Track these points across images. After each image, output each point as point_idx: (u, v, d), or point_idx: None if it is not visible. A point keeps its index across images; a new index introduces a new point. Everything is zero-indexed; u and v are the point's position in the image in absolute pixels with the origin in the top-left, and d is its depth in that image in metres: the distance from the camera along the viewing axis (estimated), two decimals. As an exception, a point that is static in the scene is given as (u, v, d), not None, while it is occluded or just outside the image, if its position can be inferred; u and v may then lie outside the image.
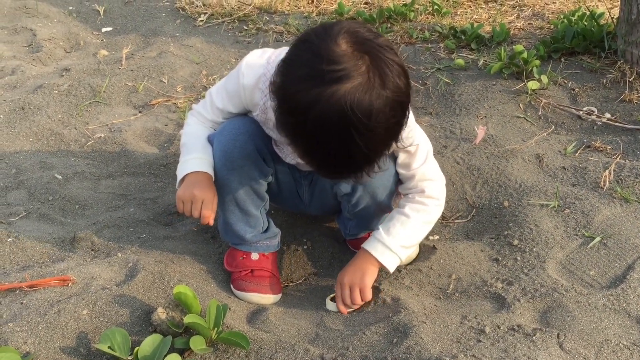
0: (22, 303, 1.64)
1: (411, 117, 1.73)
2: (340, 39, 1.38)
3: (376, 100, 1.36)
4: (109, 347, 1.49)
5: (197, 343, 1.53)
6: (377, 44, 1.41)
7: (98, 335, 1.56)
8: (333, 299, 1.82)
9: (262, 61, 1.67)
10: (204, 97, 1.86)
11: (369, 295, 1.78)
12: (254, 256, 1.89)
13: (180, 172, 1.76)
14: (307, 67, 1.39)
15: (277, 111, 1.47)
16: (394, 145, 1.51)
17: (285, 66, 1.44)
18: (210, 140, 1.80)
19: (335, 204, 1.93)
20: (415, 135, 1.75)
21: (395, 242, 1.77)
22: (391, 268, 1.79)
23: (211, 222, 1.72)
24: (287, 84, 1.42)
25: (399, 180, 1.84)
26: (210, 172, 1.75)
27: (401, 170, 1.80)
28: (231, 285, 1.87)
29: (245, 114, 1.79)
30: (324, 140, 1.39)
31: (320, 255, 2.04)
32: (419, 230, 1.81)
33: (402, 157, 1.78)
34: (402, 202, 1.84)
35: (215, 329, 1.57)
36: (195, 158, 1.75)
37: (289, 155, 1.79)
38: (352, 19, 3.68)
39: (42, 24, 3.74)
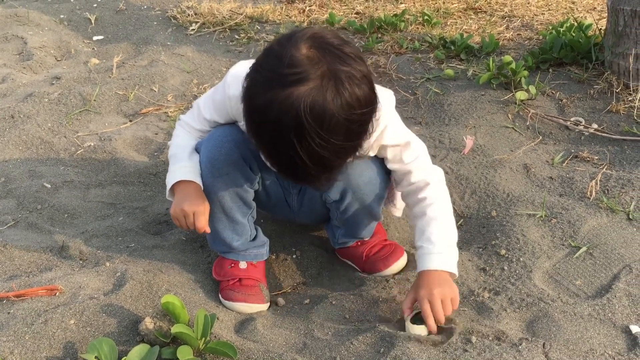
0: (9, 313, 1.64)
1: (398, 118, 1.76)
2: (302, 44, 1.41)
3: (329, 105, 1.38)
4: (95, 357, 1.49)
5: (184, 353, 1.53)
6: (341, 51, 1.43)
7: (85, 345, 1.56)
8: (415, 321, 1.68)
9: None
10: (192, 107, 1.88)
11: (457, 302, 1.69)
12: (242, 265, 1.89)
13: (169, 182, 1.78)
14: (268, 71, 1.43)
15: (243, 115, 1.51)
16: (356, 153, 1.52)
17: (250, 71, 1.48)
18: (198, 149, 1.82)
19: (324, 212, 1.94)
20: (404, 133, 1.76)
21: (443, 246, 1.71)
22: (456, 270, 1.72)
23: (208, 230, 1.76)
24: (249, 87, 1.46)
25: (391, 184, 1.84)
26: (198, 180, 1.77)
27: (395, 166, 1.78)
28: (219, 295, 1.87)
29: (232, 124, 1.81)
30: (281, 143, 1.41)
31: (309, 264, 2.05)
32: (450, 219, 1.78)
33: (391, 152, 1.76)
34: (417, 209, 1.78)
35: (203, 338, 1.57)
36: (183, 167, 1.77)
37: None
38: (343, 29, 3.71)
39: (33, 32, 3.74)
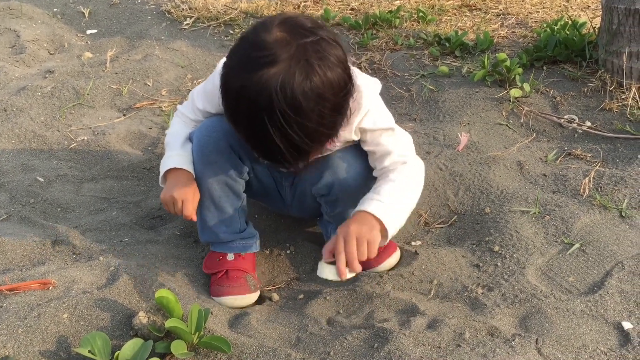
0: (1, 306, 1.63)
1: (382, 105, 1.77)
2: (275, 27, 1.43)
3: (298, 87, 1.39)
4: (89, 351, 1.49)
5: (178, 347, 1.53)
6: (314, 33, 1.44)
7: (78, 339, 1.56)
8: (331, 264, 1.58)
9: None
10: (188, 98, 1.91)
11: (375, 251, 1.59)
12: (230, 257, 1.90)
13: (162, 169, 1.82)
14: (241, 56, 1.46)
15: (222, 102, 1.53)
16: (333, 138, 1.53)
17: (226, 59, 1.51)
18: (191, 137, 1.85)
19: (316, 205, 1.94)
20: (387, 120, 1.76)
21: (388, 200, 1.65)
22: (390, 227, 1.64)
23: (194, 219, 1.78)
24: (224, 74, 1.49)
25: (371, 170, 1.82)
26: (189, 168, 1.80)
27: (371, 148, 1.75)
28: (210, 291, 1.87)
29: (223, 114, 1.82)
30: (256, 126, 1.43)
31: (303, 260, 2.05)
32: (407, 189, 1.71)
33: (370, 136, 1.73)
34: (381, 175, 1.74)
35: (197, 333, 1.57)
36: (176, 155, 1.81)
37: None
38: (338, 25, 3.71)
39: (26, 25, 3.71)
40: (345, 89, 1.48)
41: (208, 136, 1.78)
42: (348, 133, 1.73)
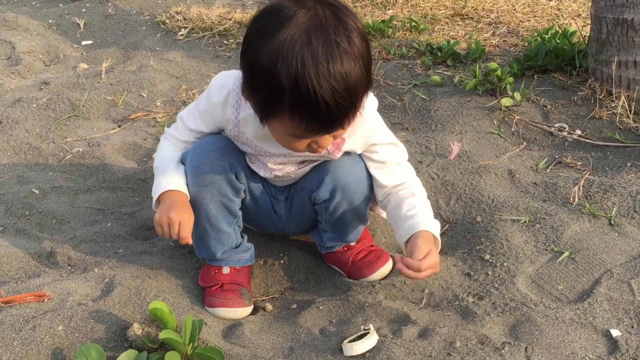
0: (-3, 319, 1.65)
1: (382, 121, 1.82)
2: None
3: (334, 29, 1.40)
4: (84, 363, 1.50)
5: (172, 358, 1.55)
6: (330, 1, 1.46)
7: (73, 351, 1.57)
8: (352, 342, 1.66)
9: (230, 79, 1.73)
10: (175, 121, 1.89)
11: (437, 269, 1.69)
12: (225, 270, 1.91)
13: (155, 193, 1.78)
14: (260, 27, 1.45)
15: (248, 88, 1.52)
16: (368, 89, 1.52)
17: (244, 39, 1.51)
18: (183, 159, 1.82)
19: (313, 216, 1.96)
20: (391, 135, 1.84)
21: (430, 213, 1.79)
22: (439, 239, 1.77)
23: (190, 242, 1.74)
24: (245, 50, 1.48)
25: (374, 186, 1.87)
26: (184, 190, 1.77)
27: (381, 158, 1.82)
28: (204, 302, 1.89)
29: (217, 134, 1.82)
30: (299, 89, 1.39)
31: (296, 270, 2.07)
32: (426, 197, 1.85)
33: (383, 149, 1.81)
34: (403, 192, 1.82)
35: (191, 344, 1.59)
36: (169, 177, 1.77)
37: (264, 168, 1.82)
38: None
39: (21, 36, 3.74)
40: (367, 39, 1.49)
41: (204, 156, 1.76)
42: (353, 143, 1.77)
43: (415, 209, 1.77)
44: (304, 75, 1.38)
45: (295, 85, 1.40)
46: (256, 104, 1.54)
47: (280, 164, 1.82)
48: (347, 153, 1.81)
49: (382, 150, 1.82)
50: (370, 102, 1.77)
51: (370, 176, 1.85)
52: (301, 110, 1.44)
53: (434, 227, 1.75)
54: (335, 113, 1.44)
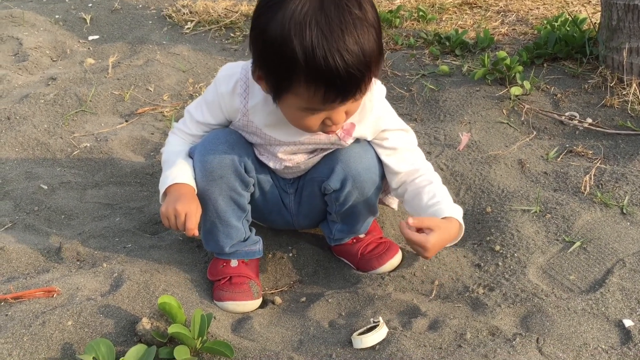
0: (6, 315, 1.65)
1: (389, 104, 1.82)
2: None
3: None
4: (93, 358, 1.50)
5: (181, 353, 1.54)
6: None
7: (83, 346, 1.57)
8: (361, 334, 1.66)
9: (237, 69, 1.73)
10: (183, 116, 1.88)
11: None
12: (233, 263, 1.90)
13: (162, 186, 1.77)
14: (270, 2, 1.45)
15: (260, 66, 1.52)
16: (380, 62, 1.53)
17: (254, 14, 1.52)
18: (191, 153, 1.81)
19: (323, 208, 1.95)
20: (401, 121, 1.84)
21: (449, 200, 1.79)
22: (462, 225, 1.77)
23: (196, 234, 1.73)
24: (257, 24, 1.48)
25: (386, 173, 1.86)
26: (192, 183, 1.76)
27: (392, 145, 1.81)
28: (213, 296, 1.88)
29: (225, 126, 1.81)
30: (314, 56, 1.39)
31: (305, 263, 2.06)
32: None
33: (394, 135, 1.81)
34: (420, 180, 1.81)
35: (200, 338, 1.58)
36: (176, 171, 1.76)
37: (273, 158, 1.81)
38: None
39: (28, 32, 3.74)
40: (377, 13, 1.52)
41: (213, 151, 1.74)
42: (363, 129, 1.76)
43: (436, 196, 1.77)
44: (318, 42, 1.38)
45: (311, 53, 1.39)
46: (269, 80, 1.53)
47: (291, 154, 1.80)
48: (357, 140, 1.80)
49: (392, 136, 1.81)
50: (379, 89, 1.76)
51: (380, 165, 1.83)
52: (317, 78, 1.44)
53: (457, 213, 1.75)
54: (351, 79, 1.45)
